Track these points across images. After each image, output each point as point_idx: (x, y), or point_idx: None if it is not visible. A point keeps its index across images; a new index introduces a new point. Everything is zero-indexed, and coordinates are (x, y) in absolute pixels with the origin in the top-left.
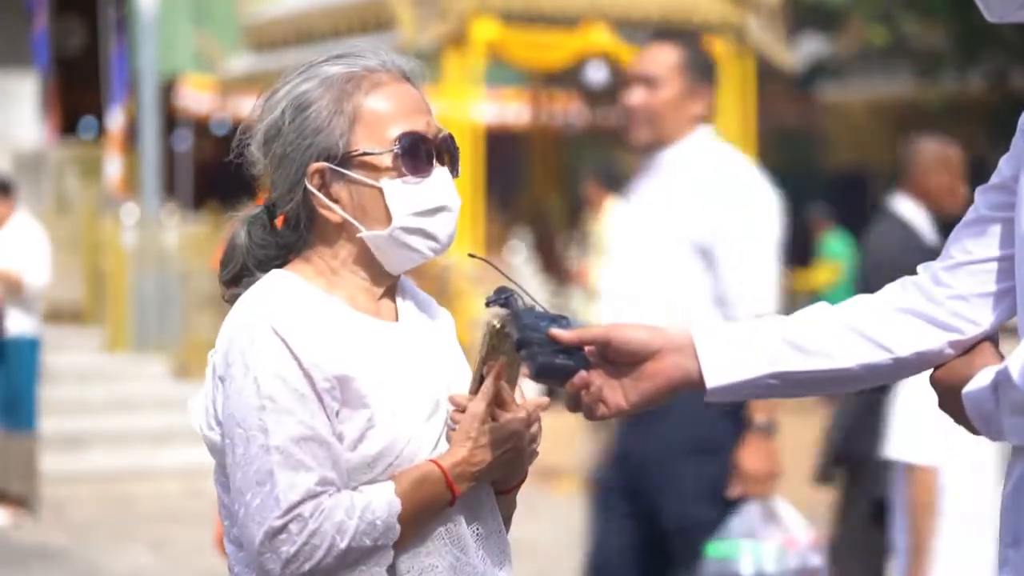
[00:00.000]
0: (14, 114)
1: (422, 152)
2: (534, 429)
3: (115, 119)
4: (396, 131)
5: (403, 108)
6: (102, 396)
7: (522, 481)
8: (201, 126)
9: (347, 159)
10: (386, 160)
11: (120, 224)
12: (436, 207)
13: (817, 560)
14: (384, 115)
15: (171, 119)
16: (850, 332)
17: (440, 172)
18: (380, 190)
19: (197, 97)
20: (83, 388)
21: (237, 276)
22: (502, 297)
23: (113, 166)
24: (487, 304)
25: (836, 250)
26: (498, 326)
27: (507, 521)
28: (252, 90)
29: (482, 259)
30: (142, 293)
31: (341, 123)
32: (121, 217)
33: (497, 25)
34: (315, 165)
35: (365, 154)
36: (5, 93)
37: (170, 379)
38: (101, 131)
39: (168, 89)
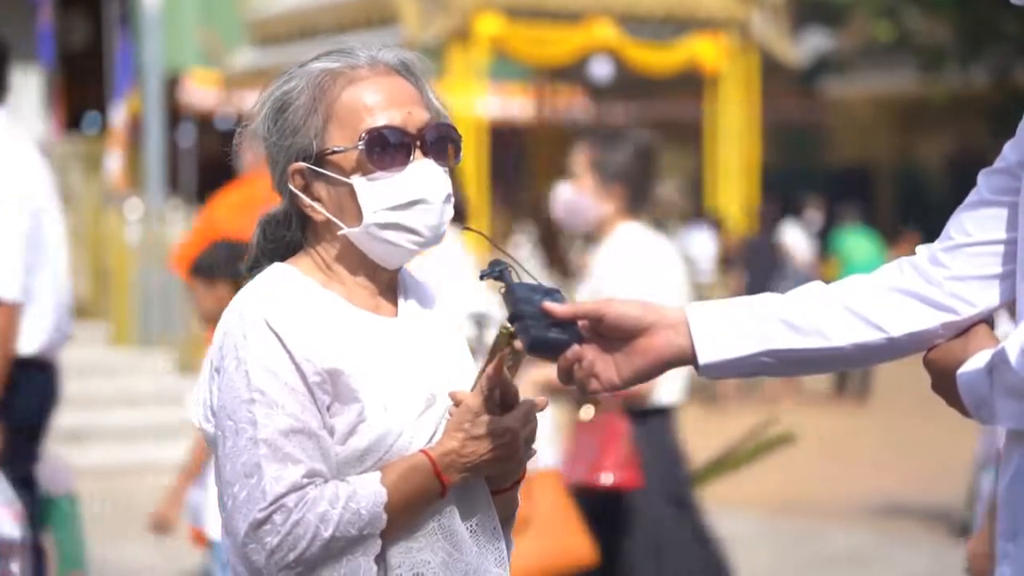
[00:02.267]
0: (18, 110)
1: (393, 146)
2: (530, 428)
3: (118, 114)
4: (366, 127)
5: (379, 102)
6: (106, 391)
7: (520, 479)
8: (205, 121)
9: (321, 158)
10: (354, 156)
11: (124, 219)
12: (411, 201)
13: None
14: (357, 111)
15: (175, 114)
16: (844, 311)
17: (420, 164)
18: (352, 187)
19: (201, 92)
20: (87, 383)
21: (252, 267)
22: (496, 270)
23: (113, 161)
24: (481, 277)
25: (839, 245)
26: (511, 330)
27: (509, 520)
28: (256, 85)
29: (478, 232)
30: (146, 288)
31: (316, 122)
32: (125, 212)
33: (501, 20)
34: (294, 165)
35: (334, 152)
36: (10, 89)
37: (174, 374)
38: (105, 126)
39: (172, 84)
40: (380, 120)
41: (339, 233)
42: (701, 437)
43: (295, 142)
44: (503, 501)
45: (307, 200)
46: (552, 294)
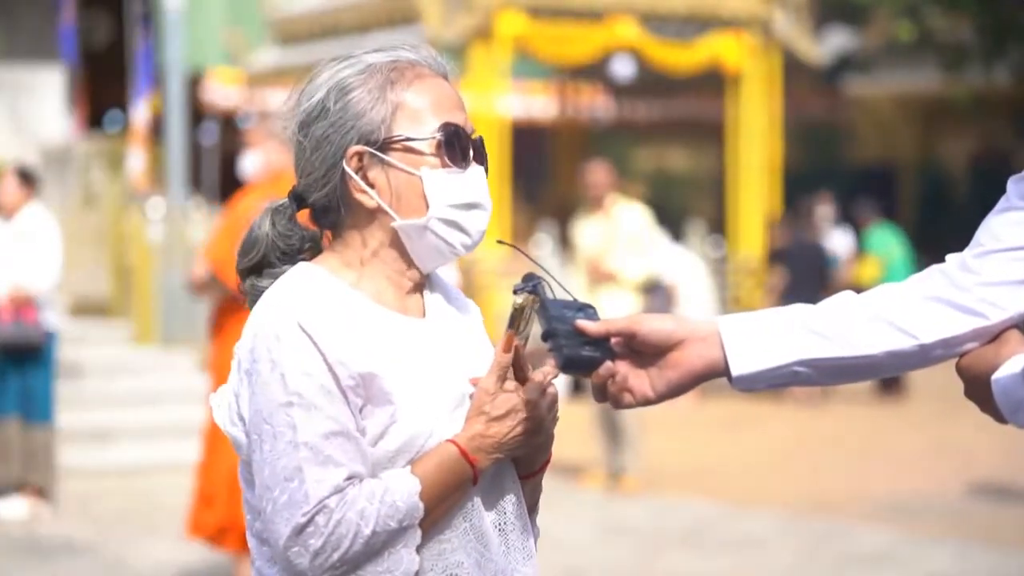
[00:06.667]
0: (41, 108)
1: (462, 145)
2: (549, 398)
3: (139, 113)
4: (438, 121)
5: (444, 102)
6: (128, 390)
7: (547, 463)
8: (228, 120)
9: (387, 145)
10: (428, 148)
11: (146, 218)
12: (472, 202)
13: None
14: (427, 106)
15: (197, 113)
16: (875, 319)
17: (476, 169)
18: (420, 178)
19: (224, 91)
20: (109, 382)
21: (256, 267)
22: (530, 285)
23: (135, 160)
24: (515, 292)
25: (877, 244)
26: (521, 303)
27: (533, 507)
28: (278, 84)
29: (511, 245)
30: (169, 287)
31: (383, 109)
32: (147, 211)
33: (523, 19)
34: (354, 148)
35: (408, 139)
36: (32, 87)
37: (196, 373)
38: (127, 125)
39: (195, 83)
40: (450, 118)
41: (391, 225)
42: (730, 435)
43: (358, 125)
44: (529, 488)
45: (362, 184)
46: (585, 310)
